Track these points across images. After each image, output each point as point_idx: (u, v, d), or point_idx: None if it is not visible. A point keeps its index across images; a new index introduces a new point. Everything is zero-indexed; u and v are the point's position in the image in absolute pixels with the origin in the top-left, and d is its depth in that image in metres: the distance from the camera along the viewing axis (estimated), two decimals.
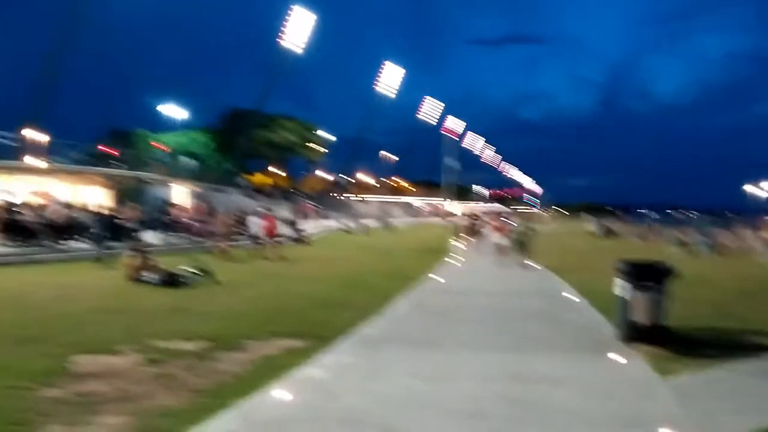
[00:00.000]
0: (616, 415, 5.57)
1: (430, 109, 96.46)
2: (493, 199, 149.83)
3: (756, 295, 13.84)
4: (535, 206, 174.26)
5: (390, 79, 76.98)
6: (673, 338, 8.41)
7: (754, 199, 72.02)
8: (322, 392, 6.12)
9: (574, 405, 5.85)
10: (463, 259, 22.90)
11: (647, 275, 8.45)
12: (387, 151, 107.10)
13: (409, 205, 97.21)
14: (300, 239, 30.99)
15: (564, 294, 13.53)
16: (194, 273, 14.40)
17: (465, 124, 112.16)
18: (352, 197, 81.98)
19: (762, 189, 70.40)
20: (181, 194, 36.64)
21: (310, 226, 38.94)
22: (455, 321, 10.24)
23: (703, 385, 6.68)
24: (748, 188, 74.37)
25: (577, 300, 12.61)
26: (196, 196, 37.78)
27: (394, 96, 77.82)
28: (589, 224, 60.87)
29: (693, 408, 5.83)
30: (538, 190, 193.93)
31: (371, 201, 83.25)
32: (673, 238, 34.23)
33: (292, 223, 34.06)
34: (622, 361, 7.55)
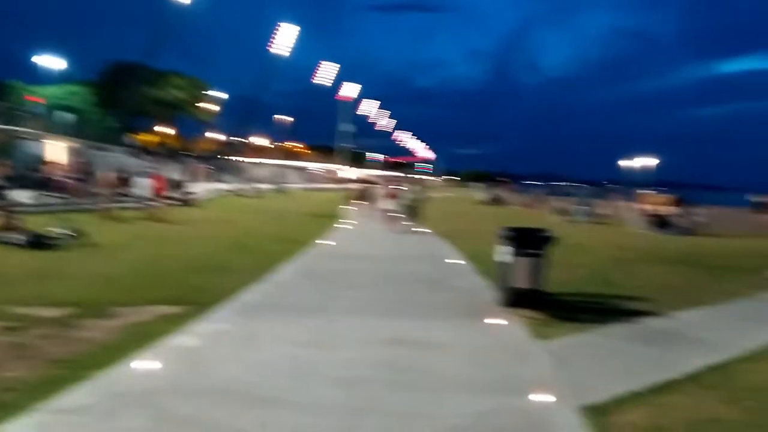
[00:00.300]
0: (493, 380, 5.60)
1: (326, 74, 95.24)
2: (387, 165, 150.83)
3: (630, 262, 14.61)
4: (427, 173, 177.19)
5: (285, 39, 75.12)
6: (552, 303, 8.64)
7: (629, 172, 76.64)
8: (195, 362, 5.77)
9: (454, 370, 5.84)
10: (355, 224, 22.83)
11: (528, 241, 8.61)
12: (283, 114, 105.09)
13: (304, 170, 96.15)
14: (187, 201, 29.81)
15: (451, 259, 13.72)
16: (66, 234, 13.40)
17: (360, 89, 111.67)
18: (245, 160, 79.91)
19: (631, 160, 75.01)
20: (57, 151, 34.16)
21: (200, 189, 37.60)
22: (341, 286, 10.09)
23: (578, 349, 6.87)
24: (623, 162, 79.01)
25: (463, 265, 12.81)
26: (75, 153, 35.37)
27: (288, 56, 76.21)
28: (479, 192, 62.68)
29: (567, 372, 5.96)
30: (431, 157, 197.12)
31: (265, 164, 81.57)
32: (555, 206, 35.81)
33: (179, 185, 32.72)
34: (502, 325, 7.67)
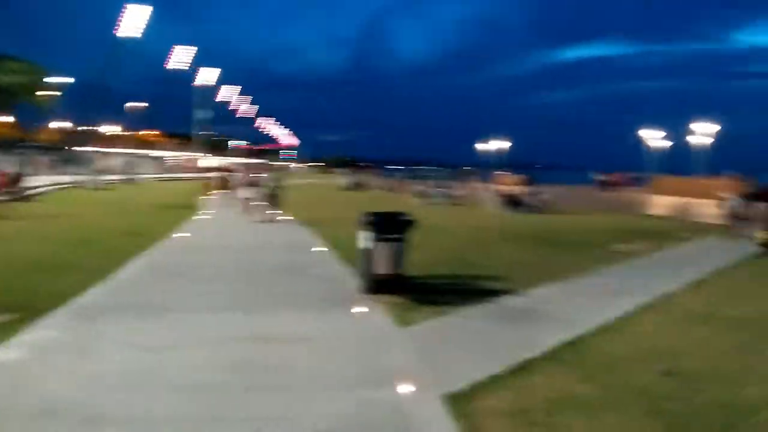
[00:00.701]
0: (356, 374, 5.34)
1: (181, 58, 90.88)
2: (250, 152, 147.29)
3: (487, 242, 15.01)
4: (292, 160, 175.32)
5: (135, 21, 70.67)
6: (414, 287, 8.56)
7: (484, 155, 79.97)
8: (17, 378, 5.03)
9: (315, 366, 5.52)
10: (214, 214, 21.90)
11: (388, 226, 8.45)
12: (137, 101, 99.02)
13: (160, 159, 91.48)
14: (27, 196, 27.21)
15: (313, 247, 13.39)
16: None
17: (219, 74, 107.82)
18: (95, 150, 74.61)
19: (485, 143, 78.43)
20: None
21: (43, 182, 34.50)
22: (196, 281, 9.44)
23: (440, 333, 6.79)
24: (479, 146, 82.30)
25: (326, 252, 12.53)
26: None
27: (140, 38, 71.93)
28: (342, 178, 62.77)
29: (430, 358, 5.83)
30: (295, 143, 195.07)
31: (117, 154, 76.64)
32: (416, 190, 36.52)
33: (17, 179, 29.79)
34: (365, 313, 7.46)
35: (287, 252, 12.86)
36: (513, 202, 27.24)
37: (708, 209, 20.98)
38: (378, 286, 8.36)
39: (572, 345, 6.31)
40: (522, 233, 17.06)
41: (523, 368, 5.55)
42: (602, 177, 54.88)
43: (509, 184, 34.44)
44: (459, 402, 4.69)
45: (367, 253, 8.49)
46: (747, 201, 17.94)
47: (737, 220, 17.40)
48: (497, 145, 77.33)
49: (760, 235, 14.69)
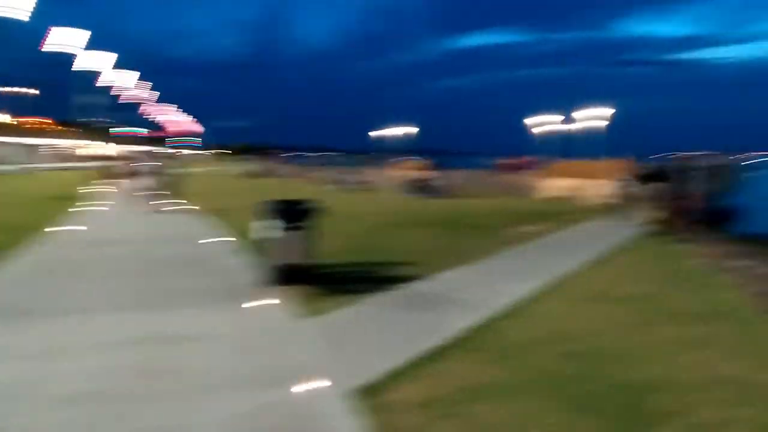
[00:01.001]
0: (261, 371, 5.09)
1: (72, 41, 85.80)
2: (150, 140, 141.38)
3: (394, 227, 15.00)
4: (196, 147, 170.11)
5: (19, 3, 65.94)
6: (322, 276, 8.36)
7: (390, 141, 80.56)
8: None
9: (216, 366, 5.22)
10: (108, 205, 20.75)
11: (293, 214, 8.20)
12: (23, 87, 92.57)
13: (52, 147, 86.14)
14: None
15: (215, 238, 12.89)
16: None
17: (116, 59, 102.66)
18: None
19: (388, 129, 79.01)
20: None
21: None
22: (86, 278, 8.80)
23: (349, 323, 6.63)
24: (385, 131, 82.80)
25: (229, 243, 12.09)
26: None
27: (27, 20, 67.24)
28: (248, 165, 61.42)
29: (339, 350, 5.66)
30: (199, 130, 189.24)
31: (3, 143, 71.48)
32: (323, 176, 36.23)
33: None
34: (270, 306, 7.19)
35: (188, 244, 12.31)
36: (419, 187, 27.52)
37: (601, 190, 21.93)
38: (285, 276, 8.10)
39: (480, 329, 6.32)
40: (428, 218, 17.19)
41: (436, 355, 5.48)
42: (503, 161, 56.53)
43: (415, 169, 34.78)
44: (368, 395, 4.55)
45: (272, 242, 8.21)
46: (637, 182, 18.87)
47: (629, 200, 18.26)
48: (402, 130, 78.08)
49: (651, 214, 15.46)
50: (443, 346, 5.76)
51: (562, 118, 47.41)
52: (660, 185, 17.21)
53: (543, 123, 42.69)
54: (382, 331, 6.34)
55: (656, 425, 4.16)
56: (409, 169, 34.40)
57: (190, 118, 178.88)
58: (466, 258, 10.43)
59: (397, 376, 4.97)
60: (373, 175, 38.12)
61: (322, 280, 8.23)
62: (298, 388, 4.67)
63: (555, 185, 26.89)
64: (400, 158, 47.42)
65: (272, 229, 8.16)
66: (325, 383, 4.77)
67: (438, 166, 34.01)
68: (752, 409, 4.39)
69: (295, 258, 8.16)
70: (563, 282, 8.78)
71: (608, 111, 38.47)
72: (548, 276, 9.03)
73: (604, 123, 36.52)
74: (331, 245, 10.15)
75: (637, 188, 18.39)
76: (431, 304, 7.42)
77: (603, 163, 25.77)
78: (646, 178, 19.23)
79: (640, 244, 12.78)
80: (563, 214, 18.34)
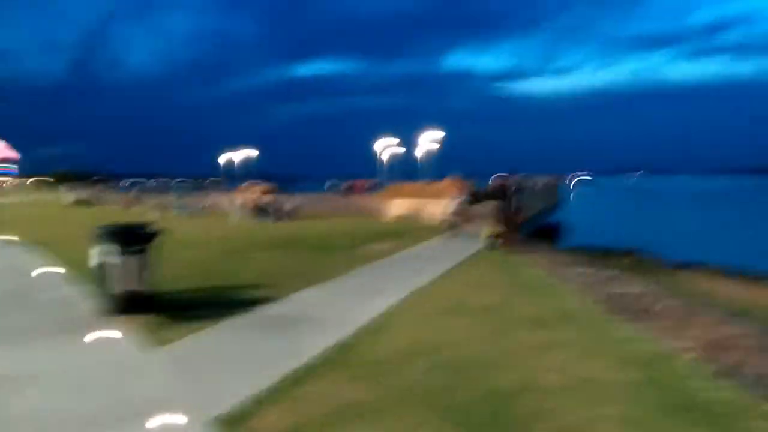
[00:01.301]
0: (105, 410, 4.52)
1: None
2: None
3: (239, 251, 14.44)
4: (12, 175, 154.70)
5: None
6: (166, 304, 7.78)
7: (226, 165, 78.48)
8: None
9: (57, 406, 4.58)
10: None
11: (130, 239, 7.56)
12: None
13: None
14: None
15: (41, 269, 11.63)
16: None
17: None
18: None
19: (230, 154, 77.00)
20: None
21: None
22: None
23: (200, 350, 6.17)
24: (219, 155, 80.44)
25: (57, 274, 10.95)
26: None
27: None
28: (71, 193, 56.92)
29: (192, 380, 5.22)
30: (14, 157, 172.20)
31: None
32: (157, 203, 34.41)
33: None
34: (111, 338, 6.53)
35: (11, 276, 11.00)
36: (260, 210, 26.96)
37: (436, 209, 22.77)
38: (123, 305, 7.44)
39: (340, 349, 6.14)
40: (273, 240, 16.79)
41: (298, 378, 5.21)
42: (347, 184, 57.27)
43: (260, 193, 34.11)
44: (228, 427, 4.20)
45: (107, 270, 7.51)
46: (470, 200, 19.89)
47: (466, 217, 19.12)
48: (240, 155, 76.46)
49: (488, 230, 16.26)
50: (305, 367, 5.51)
51: (399, 142, 49.15)
52: (494, 203, 18.15)
53: (383, 147, 43.94)
54: (237, 357, 5.95)
55: (534, 430, 4.20)
56: (254, 194, 33.61)
57: (3, 144, 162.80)
58: (318, 278, 10.25)
59: (258, 403, 4.64)
60: (217, 199, 36.84)
61: (168, 307, 7.66)
62: (150, 425, 4.21)
63: (397, 206, 27.57)
64: (244, 183, 46.29)
65: (110, 256, 7.48)
66: (180, 417, 4.35)
67: (283, 190, 33.62)
68: (614, 407, 4.59)
69: (135, 285, 7.53)
70: (417, 296, 8.87)
71: (440, 136, 40.52)
72: (402, 291, 9.09)
73: (437, 147, 38.41)
74: (175, 271, 9.53)
75: (473, 206, 19.34)
76: (287, 326, 7.13)
77: (440, 184, 26.87)
78: (480, 196, 20.33)
79: (482, 258, 13.32)
80: (407, 232, 18.76)
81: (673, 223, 41.05)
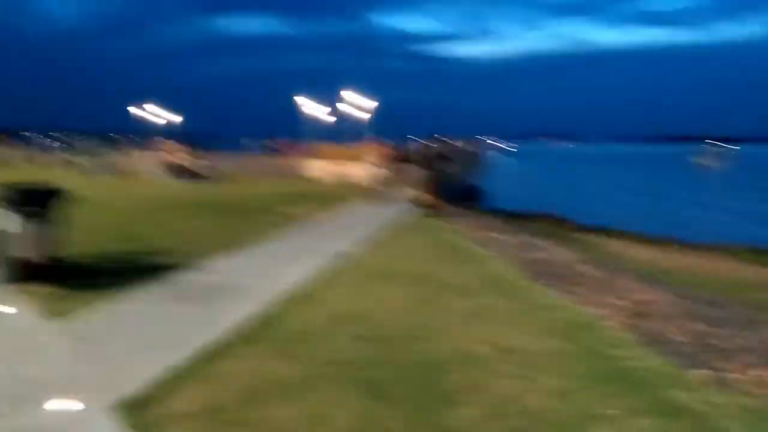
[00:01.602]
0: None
1: None
2: None
3: (155, 213, 13.73)
4: None
5: None
6: (72, 271, 7.20)
7: (142, 121, 75.02)
8: None
9: None
10: None
11: (30, 200, 6.91)
12: None
13: None
14: None
15: None
16: None
17: None
18: None
19: (147, 111, 73.60)
20: None
21: None
22: None
23: (106, 324, 5.68)
24: (134, 111, 76.68)
25: None
26: None
27: None
28: None
29: (94, 357, 4.75)
30: None
31: None
32: (64, 159, 32.60)
33: None
34: (5, 311, 5.96)
35: None
36: (179, 170, 25.94)
37: (362, 172, 22.52)
38: (23, 274, 6.82)
39: (262, 319, 5.79)
40: (192, 202, 16.10)
41: (215, 353, 4.85)
42: (270, 144, 55.78)
43: (179, 152, 32.74)
44: (136, 410, 3.81)
45: (6, 236, 6.85)
46: (396, 164, 19.80)
47: (390, 181, 18.99)
48: (159, 112, 73.30)
49: (411, 194, 16.18)
50: (222, 341, 5.15)
51: (327, 104, 48.24)
52: (419, 169, 18.04)
53: (310, 108, 42.98)
54: (146, 330, 5.52)
55: (463, 404, 4.03)
56: (172, 153, 32.16)
57: None
58: (237, 243, 9.82)
59: (169, 383, 4.26)
60: (125, 158, 35.16)
61: (73, 275, 7.08)
62: (44, 410, 3.79)
63: (321, 168, 27.13)
64: (162, 141, 44.30)
65: (6, 220, 6.82)
66: (78, 398, 3.94)
67: (200, 150, 32.35)
68: (544, 378, 4.49)
69: (35, 252, 6.92)
70: (343, 262, 8.59)
71: (370, 98, 39.96)
72: (326, 257, 8.80)
73: (367, 109, 37.87)
74: (82, 236, 8.87)
75: (398, 170, 19.22)
76: (204, 295, 6.73)
77: (366, 147, 26.53)
78: (402, 160, 20.28)
79: (407, 224, 13.18)
80: (330, 195, 18.43)
81: (587, 190, 42.76)
